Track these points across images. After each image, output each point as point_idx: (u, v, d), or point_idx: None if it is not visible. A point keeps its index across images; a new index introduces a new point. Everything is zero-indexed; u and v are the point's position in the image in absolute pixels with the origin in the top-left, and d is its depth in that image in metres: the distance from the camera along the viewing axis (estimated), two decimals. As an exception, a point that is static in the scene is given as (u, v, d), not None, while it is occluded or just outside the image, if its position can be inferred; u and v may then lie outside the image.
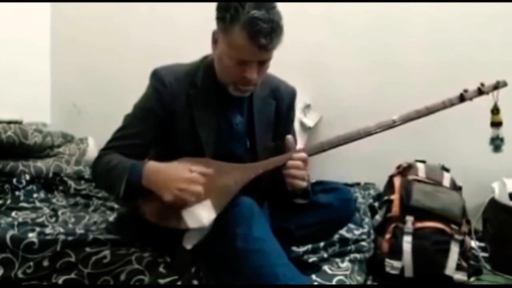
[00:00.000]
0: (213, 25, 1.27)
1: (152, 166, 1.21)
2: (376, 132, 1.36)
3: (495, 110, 1.47)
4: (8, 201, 1.85)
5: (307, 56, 2.56)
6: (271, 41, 1.19)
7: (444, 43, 2.40)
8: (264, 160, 1.32)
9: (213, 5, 1.26)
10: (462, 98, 1.42)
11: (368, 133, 1.35)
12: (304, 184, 1.30)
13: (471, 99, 1.43)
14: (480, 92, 1.44)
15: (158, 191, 1.17)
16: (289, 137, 1.34)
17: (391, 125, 1.37)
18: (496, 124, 1.48)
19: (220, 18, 1.24)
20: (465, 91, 1.42)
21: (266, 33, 1.17)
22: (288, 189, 1.33)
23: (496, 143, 1.47)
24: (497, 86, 1.44)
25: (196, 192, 1.16)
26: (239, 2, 1.19)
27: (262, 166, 1.30)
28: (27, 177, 2.02)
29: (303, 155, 1.30)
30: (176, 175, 1.16)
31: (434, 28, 2.43)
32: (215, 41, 1.28)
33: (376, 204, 2.11)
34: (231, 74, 1.27)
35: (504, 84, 1.44)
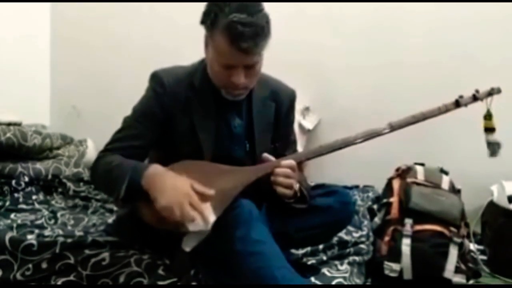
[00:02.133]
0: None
1: (155, 169, 1.19)
2: (368, 139, 1.36)
3: (488, 116, 1.49)
4: (7, 203, 1.84)
5: (306, 58, 2.56)
6: (254, 45, 1.18)
7: (444, 43, 2.40)
8: (261, 164, 1.31)
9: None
10: (457, 104, 1.45)
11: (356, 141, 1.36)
12: (289, 192, 1.28)
13: (466, 105, 1.46)
14: (475, 98, 1.46)
15: (154, 195, 1.14)
16: (265, 154, 1.31)
17: (382, 132, 1.37)
18: (489, 129, 1.50)
19: (203, 23, 1.24)
20: (461, 97, 1.45)
21: (248, 37, 1.16)
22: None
23: (493, 148, 1.49)
24: (491, 93, 1.47)
25: (187, 214, 1.11)
26: (218, 7, 1.18)
27: (262, 169, 1.30)
28: (26, 179, 2.01)
29: (291, 162, 1.28)
30: (179, 186, 1.14)
31: (434, 28, 2.43)
32: (206, 45, 1.29)
33: (375, 206, 2.11)
34: (219, 78, 1.27)
35: (498, 91, 1.47)
